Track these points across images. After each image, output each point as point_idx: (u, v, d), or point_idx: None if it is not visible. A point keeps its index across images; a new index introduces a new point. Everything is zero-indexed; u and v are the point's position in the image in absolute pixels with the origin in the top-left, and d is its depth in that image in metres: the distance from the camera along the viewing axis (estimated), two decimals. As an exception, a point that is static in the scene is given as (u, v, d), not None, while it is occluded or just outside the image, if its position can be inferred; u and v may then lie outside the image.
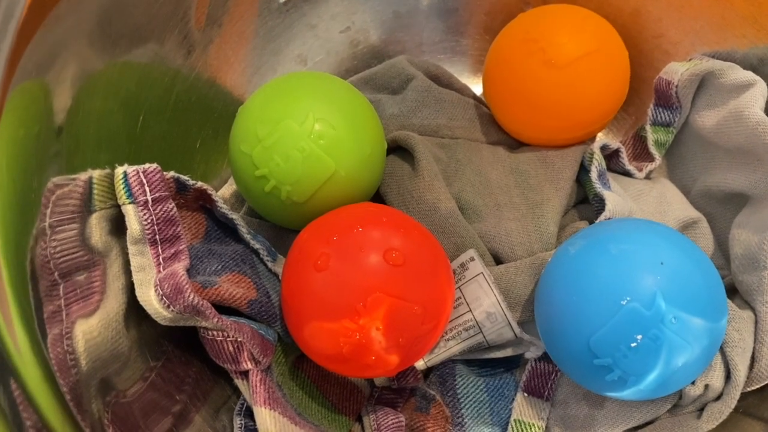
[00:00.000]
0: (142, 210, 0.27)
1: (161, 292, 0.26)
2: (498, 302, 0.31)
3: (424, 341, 0.28)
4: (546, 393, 0.32)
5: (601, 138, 0.42)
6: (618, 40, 0.36)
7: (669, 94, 0.36)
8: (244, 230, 0.31)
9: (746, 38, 0.35)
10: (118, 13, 0.29)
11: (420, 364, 0.33)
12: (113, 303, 0.27)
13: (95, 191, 0.27)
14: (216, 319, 0.27)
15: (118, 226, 0.28)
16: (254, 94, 0.32)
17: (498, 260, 0.34)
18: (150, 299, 0.27)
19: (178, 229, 0.28)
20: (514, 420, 0.32)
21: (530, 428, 0.31)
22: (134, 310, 0.27)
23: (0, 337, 0.21)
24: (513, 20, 0.37)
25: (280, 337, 0.31)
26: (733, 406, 0.29)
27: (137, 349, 0.28)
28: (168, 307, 0.26)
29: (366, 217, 0.29)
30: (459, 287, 0.32)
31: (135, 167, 0.27)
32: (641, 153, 0.38)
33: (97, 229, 0.27)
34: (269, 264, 0.32)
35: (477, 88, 0.41)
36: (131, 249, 0.27)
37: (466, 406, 0.33)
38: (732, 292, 0.33)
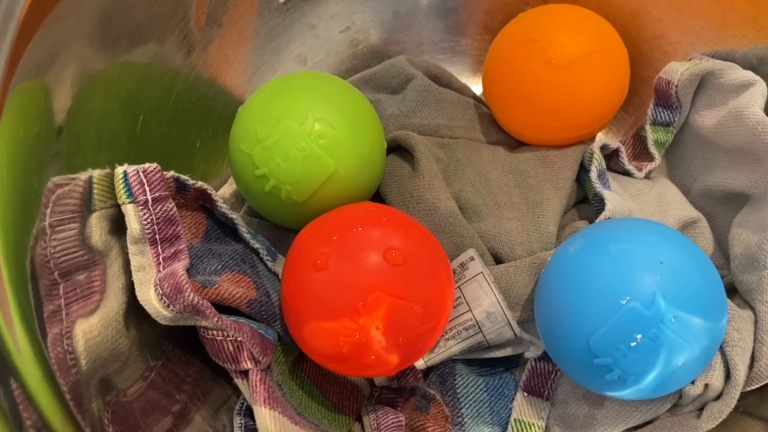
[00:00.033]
0: (142, 209, 0.27)
1: (161, 292, 0.26)
2: (498, 302, 0.31)
3: (423, 341, 0.28)
4: (546, 392, 0.32)
5: (600, 138, 0.42)
6: (618, 40, 0.36)
7: (669, 94, 0.36)
8: (243, 230, 0.31)
9: (746, 38, 0.35)
10: (118, 13, 0.29)
11: (420, 364, 0.33)
12: (113, 302, 0.27)
13: (95, 191, 0.27)
14: (216, 319, 0.27)
15: (118, 225, 0.28)
16: (254, 93, 0.32)
17: (498, 260, 0.34)
18: (150, 299, 0.27)
19: (178, 228, 0.28)
20: (514, 419, 0.32)
21: (530, 428, 0.31)
22: (134, 309, 0.27)
23: (0, 337, 0.21)
24: (513, 20, 0.37)
25: (280, 337, 0.31)
26: (732, 405, 0.29)
27: (137, 349, 0.28)
28: (168, 306, 0.26)
29: (366, 216, 0.29)
30: (459, 287, 0.32)
31: (135, 167, 0.27)
32: (641, 153, 0.38)
33: (97, 228, 0.27)
34: (269, 263, 0.32)
35: (477, 87, 0.41)
36: (131, 248, 0.27)
37: (466, 406, 0.33)
38: (732, 291, 0.33)
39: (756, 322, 0.30)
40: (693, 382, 0.29)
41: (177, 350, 0.30)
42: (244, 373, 0.29)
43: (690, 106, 0.36)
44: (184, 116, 0.35)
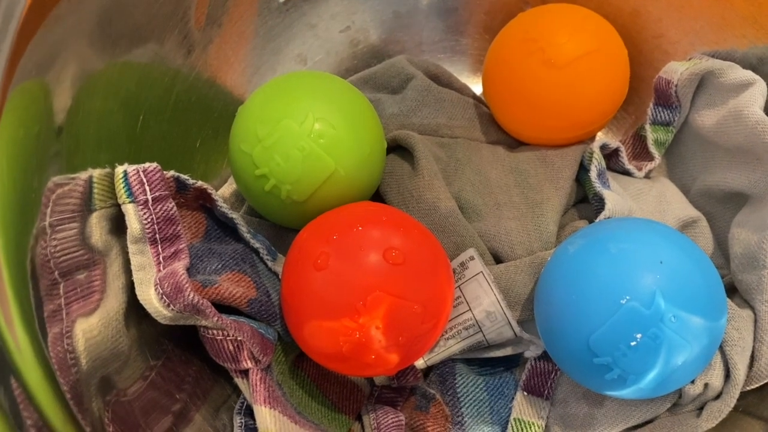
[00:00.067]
0: (142, 209, 0.27)
1: (161, 291, 0.26)
2: (498, 301, 0.31)
3: (423, 340, 0.28)
4: (546, 392, 0.32)
5: (600, 137, 0.42)
6: (618, 39, 0.36)
7: (668, 94, 0.36)
8: (244, 229, 0.31)
9: (746, 38, 0.35)
10: (118, 13, 0.29)
11: (420, 363, 0.33)
12: (113, 302, 0.27)
13: (95, 190, 0.27)
14: (216, 318, 0.27)
15: (118, 225, 0.28)
16: (254, 93, 0.32)
17: (498, 259, 0.34)
18: (150, 298, 0.27)
19: (178, 228, 0.28)
20: (514, 419, 0.32)
21: (530, 427, 0.32)
22: (134, 309, 0.27)
23: (1, 336, 0.21)
24: (512, 20, 0.37)
25: (280, 336, 0.31)
26: (732, 404, 0.29)
27: (137, 348, 0.28)
28: (168, 306, 0.26)
29: (366, 216, 0.29)
30: (459, 286, 0.32)
31: (135, 166, 0.27)
32: (641, 152, 0.39)
33: (97, 228, 0.27)
34: (269, 263, 0.32)
35: (477, 87, 0.41)
36: (131, 248, 0.27)
37: (466, 405, 0.33)
38: (731, 291, 0.33)
39: (756, 321, 0.30)
40: (693, 382, 0.30)
41: (177, 349, 0.30)
42: (244, 373, 0.29)
43: (690, 106, 0.36)
44: (184, 116, 0.35)
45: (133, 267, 0.27)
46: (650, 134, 0.38)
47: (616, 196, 0.33)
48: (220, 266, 0.30)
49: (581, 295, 0.27)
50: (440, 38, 0.45)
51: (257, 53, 0.40)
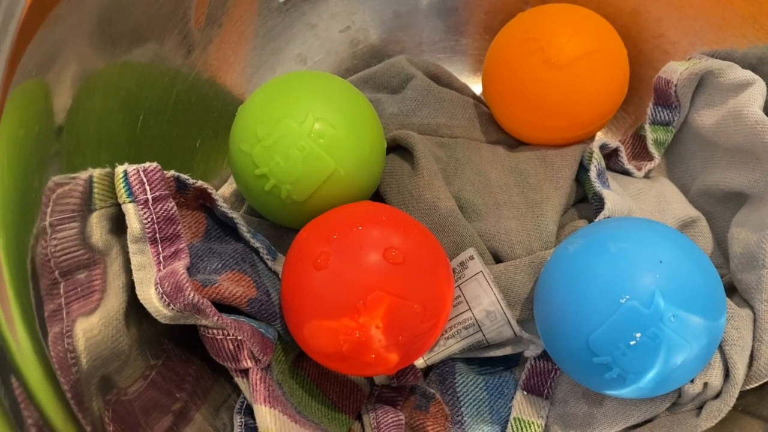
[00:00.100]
0: (143, 209, 0.27)
1: (161, 291, 0.27)
2: (497, 301, 0.31)
3: (423, 339, 0.28)
4: (545, 391, 0.32)
5: (600, 137, 0.42)
6: (617, 39, 0.36)
7: (668, 94, 0.36)
8: (244, 229, 0.31)
9: (746, 38, 0.35)
10: (118, 13, 0.29)
11: (420, 363, 0.33)
12: (113, 301, 0.27)
13: (95, 190, 0.27)
14: (216, 318, 0.27)
15: (118, 224, 0.28)
16: (254, 93, 0.32)
17: (497, 259, 0.34)
18: (150, 297, 0.27)
19: (179, 227, 0.28)
20: (514, 418, 0.32)
21: (530, 426, 0.32)
22: (134, 308, 0.27)
23: (1, 336, 0.21)
24: (512, 19, 0.37)
25: (280, 336, 0.31)
26: (732, 404, 0.29)
27: (137, 348, 0.28)
28: (168, 305, 0.26)
29: (365, 215, 0.29)
30: (458, 286, 0.32)
31: (135, 166, 0.28)
32: (640, 152, 0.39)
33: (97, 227, 0.27)
34: (269, 263, 0.32)
35: (476, 87, 0.41)
36: (131, 247, 0.27)
37: (466, 405, 0.33)
38: (731, 290, 0.33)
39: (755, 320, 0.30)
40: (692, 381, 0.30)
41: (177, 349, 0.31)
42: (245, 372, 0.29)
43: (689, 106, 0.36)
44: (184, 116, 0.36)
45: (133, 266, 0.27)
46: (650, 134, 0.38)
47: (615, 195, 0.33)
48: (220, 266, 0.30)
49: (581, 295, 0.27)
50: (440, 38, 0.45)
51: (257, 53, 0.40)
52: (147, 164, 0.28)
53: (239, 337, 0.28)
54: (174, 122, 0.35)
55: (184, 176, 0.29)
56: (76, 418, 0.23)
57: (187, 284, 0.26)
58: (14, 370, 0.21)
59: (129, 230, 0.27)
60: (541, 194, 0.35)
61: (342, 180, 0.30)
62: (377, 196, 0.36)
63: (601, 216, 0.32)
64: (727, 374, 0.30)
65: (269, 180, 0.30)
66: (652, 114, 0.37)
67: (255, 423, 0.28)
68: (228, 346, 0.28)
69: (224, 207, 0.31)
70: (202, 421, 0.30)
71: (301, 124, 0.30)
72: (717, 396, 0.30)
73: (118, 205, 0.27)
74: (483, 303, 0.31)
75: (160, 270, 0.27)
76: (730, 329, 0.30)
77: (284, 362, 0.31)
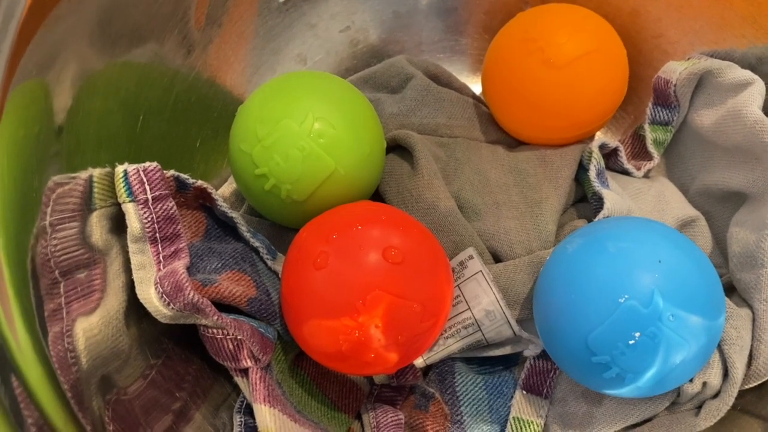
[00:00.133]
0: (143, 208, 0.27)
1: (161, 290, 0.27)
2: (497, 300, 0.31)
3: (423, 339, 0.28)
4: (545, 391, 0.32)
5: (599, 137, 0.42)
6: (617, 39, 0.36)
7: (667, 93, 0.36)
8: (243, 228, 0.31)
9: (745, 38, 0.35)
10: (117, 13, 0.29)
11: (419, 362, 0.33)
12: (113, 301, 0.27)
13: (95, 190, 0.27)
14: (216, 317, 0.27)
15: (118, 224, 0.28)
16: (254, 93, 0.32)
17: (497, 258, 0.34)
18: (150, 297, 0.27)
19: (178, 227, 0.28)
20: (513, 417, 0.32)
21: (529, 426, 0.32)
22: (134, 308, 0.27)
23: (1, 335, 0.21)
24: (512, 19, 0.37)
25: (280, 335, 0.31)
26: (730, 403, 0.29)
27: (137, 347, 0.28)
28: (168, 304, 0.26)
29: (365, 215, 0.29)
30: (458, 285, 0.32)
31: (135, 166, 0.28)
32: (640, 152, 0.39)
33: (97, 227, 0.27)
34: (269, 262, 0.32)
35: (476, 87, 0.41)
36: (131, 247, 0.27)
37: (465, 404, 0.33)
38: (730, 290, 0.33)
39: (754, 320, 0.30)
40: (691, 380, 0.30)
41: (177, 348, 0.31)
42: (244, 372, 0.29)
43: (689, 106, 0.36)
44: (184, 116, 0.36)
45: (133, 266, 0.27)
46: (649, 134, 0.38)
47: (615, 195, 0.33)
48: (220, 265, 0.30)
49: (580, 294, 0.27)
50: (440, 38, 0.45)
51: (257, 53, 0.40)
52: (147, 164, 0.28)
53: (239, 337, 0.28)
54: (174, 122, 0.35)
55: (184, 176, 0.29)
56: (76, 417, 0.23)
57: (186, 284, 0.26)
58: (14, 369, 0.21)
59: (129, 230, 0.27)
60: (540, 194, 0.35)
61: (342, 180, 0.30)
62: (377, 195, 0.36)
63: (600, 215, 0.32)
64: (726, 373, 0.30)
65: (269, 180, 0.30)
66: (651, 114, 0.37)
67: (255, 422, 0.28)
68: (228, 346, 0.28)
69: (224, 207, 0.31)
70: (202, 421, 0.30)
71: (301, 124, 0.30)
72: (716, 395, 0.30)
73: (118, 205, 0.28)
74: (482, 302, 0.31)
75: (160, 269, 0.27)
76: (729, 329, 0.30)
77: (284, 362, 0.31)
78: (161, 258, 0.28)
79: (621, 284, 0.26)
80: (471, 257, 0.32)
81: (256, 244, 0.32)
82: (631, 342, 0.25)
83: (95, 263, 0.26)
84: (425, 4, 0.44)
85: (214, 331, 0.28)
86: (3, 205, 0.23)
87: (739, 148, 0.33)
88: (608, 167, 0.38)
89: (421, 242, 0.29)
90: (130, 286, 0.28)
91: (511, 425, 0.32)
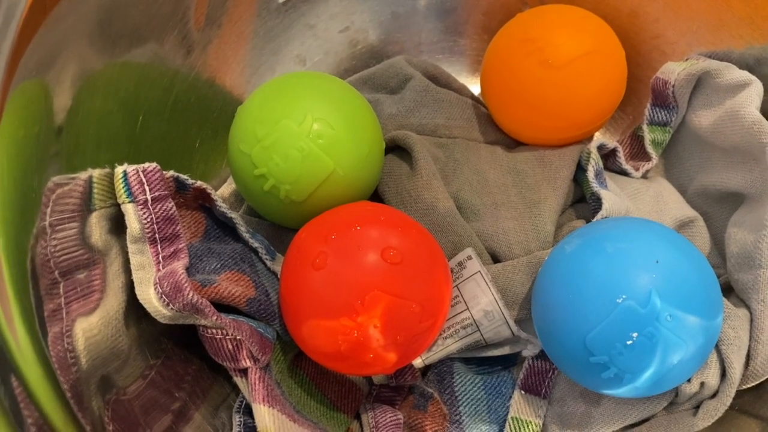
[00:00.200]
0: (142, 209, 0.27)
1: (161, 291, 0.27)
2: (495, 300, 0.31)
3: (421, 339, 0.28)
4: (543, 391, 0.32)
5: (598, 137, 0.42)
6: (615, 40, 0.36)
7: (666, 94, 0.36)
8: (243, 229, 0.32)
9: (743, 39, 0.35)
10: (118, 13, 0.29)
11: (418, 362, 0.33)
12: (113, 301, 0.27)
13: (95, 190, 0.27)
14: (215, 318, 0.27)
15: (117, 224, 0.28)
16: (253, 94, 0.32)
17: (495, 259, 0.34)
18: (149, 297, 0.27)
19: (178, 227, 0.29)
20: (512, 417, 0.32)
21: (527, 426, 0.32)
22: (134, 308, 0.28)
23: (1, 335, 0.21)
24: (511, 20, 0.37)
25: (279, 335, 0.31)
26: (728, 403, 0.29)
27: (137, 347, 0.28)
28: (167, 305, 0.26)
29: (364, 215, 0.29)
30: (457, 285, 0.32)
31: (135, 166, 0.28)
32: (638, 152, 0.39)
33: (97, 227, 0.27)
34: (268, 263, 0.32)
35: (475, 87, 0.41)
36: (131, 248, 0.27)
37: (464, 404, 0.33)
38: (728, 290, 0.33)
39: (751, 320, 0.31)
40: (689, 380, 0.30)
41: (176, 349, 0.31)
42: (243, 372, 0.29)
43: (687, 106, 0.37)
44: (184, 116, 0.36)
45: (132, 266, 0.27)
46: (647, 134, 0.38)
47: (613, 196, 0.33)
48: (219, 266, 0.30)
49: (578, 295, 0.27)
50: (439, 39, 0.45)
51: (256, 53, 0.40)
52: (146, 164, 0.28)
53: (238, 337, 0.28)
54: (173, 122, 0.35)
55: (183, 176, 0.29)
56: (76, 417, 0.23)
57: (186, 284, 0.26)
58: (14, 369, 0.21)
59: (128, 230, 0.27)
60: (539, 194, 0.35)
61: (341, 180, 0.31)
62: (376, 196, 0.36)
63: (598, 216, 0.32)
64: (723, 374, 0.30)
65: (268, 180, 0.30)
66: (649, 114, 0.37)
67: (254, 422, 0.28)
68: (227, 346, 0.28)
69: (223, 207, 0.31)
70: (201, 421, 0.30)
71: (300, 124, 0.30)
72: (714, 395, 0.30)
73: (118, 206, 0.28)
74: (481, 303, 0.31)
75: (159, 270, 0.28)
76: (727, 329, 0.30)
77: (283, 362, 0.31)
78: (160, 258, 0.28)
79: (619, 284, 0.26)
80: (470, 257, 0.32)
81: (255, 244, 0.32)
82: (629, 342, 0.26)
83: (95, 264, 0.26)
84: (424, 4, 0.44)
85: (214, 331, 0.28)
86: (3, 205, 0.23)
87: (737, 148, 0.33)
88: (607, 168, 0.38)
89: (419, 242, 0.29)
90: (130, 287, 0.28)
91: (510, 425, 0.32)
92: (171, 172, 0.29)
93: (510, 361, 0.34)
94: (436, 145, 0.37)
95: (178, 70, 0.35)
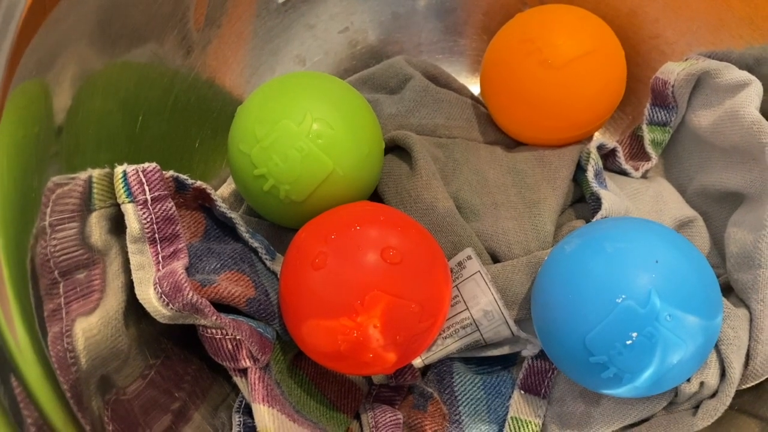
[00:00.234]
0: (142, 209, 0.27)
1: (160, 291, 0.27)
2: (495, 300, 0.31)
3: (421, 339, 0.28)
4: (543, 390, 0.32)
5: (597, 137, 0.42)
6: (615, 40, 0.36)
7: (665, 94, 0.36)
8: (242, 229, 0.32)
9: (742, 39, 0.35)
10: (117, 13, 0.29)
11: (417, 362, 0.33)
12: (113, 301, 0.27)
13: (95, 190, 0.27)
14: (215, 317, 0.27)
15: (117, 224, 0.28)
16: (253, 94, 0.32)
17: (495, 259, 0.34)
18: (149, 297, 0.27)
19: (177, 227, 0.29)
20: (511, 417, 0.32)
21: (527, 425, 0.32)
22: (134, 308, 0.28)
23: (1, 335, 0.21)
24: (510, 20, 0.37)
25: (279, 335, 0.31)
26: (728, 403, 0.29)
27: (137, 347, 0.28)
28: (167, 305, 0.26)
29: (363, 215, 0.29)
30: (456, 285, 0.32)
31: (134, 166, 0.28)
32: (638, 152, 0.39)
33: (96, 227, 0.27)
34: (268, 262, 0.32)
35: (475, 88, 0.41)
36: (130, 247, 0.27)
37: (464, 404, 0.33)
38: (727, 290, 0.33)
39: (751, 320, 0.31)
40: (688, 380, 0.30)
41: (176, 348, 0.31)
42: (243, 372, 0.29)
43: (686, 106, 0.37)
44: (183, 116, 0.36)
45: (132, 266, 0.27)
46: (647, 134, 0.38)
47: (612, 195, 0.33)
48: (219, 266, 0.30)
49: (577, 294, 0.27)
50: (438, 39, 0.45)
51: (256, 54, 0.40)
52: (146, 164, 0.28)
53: (238, 337, 0.28)
54: (173, 122, 0.35)
55: (183, 176, 0.29)
56: (76, 417, 0.23)
57: (185, 284, 0.26)
58: (14, 369, 0.21)
59: (128, 230, 0.27)
60: (538, 194, 0.35)
61: (340, 180, 0.31)
62: (375, 196, 0.36)
63: (598, 216, 0.32)
64: (723, 373, 0.30)
65: (268, 180, 0.30)
66: (649, 114, 0.37)
67: (253, 422, 0.28)
68: (227, 346, 0.28)
69: (223, 207, 0.31)
70: (201, 421, 0.30)
71: (300, 124, 0.30)
72: (713, 395, 0.30)
73: (118, 206, 0.28)
74: (481, 303, 0.31)
75: (159, 270, 0.28)
76: (727, 329, 0.30)
77: (282, 362, 0.31)
78: (160, 258, 0.28)
79: (618, 284, 0.26)
80: (469, 257, 0.32)
81: (255, 244, 0.32)
82: (629, 342, 0.26)
83: (94, 263, 0.26)
84: (424, 5, 0.44)
85: (213, 331, 0.28)
86: (3, 205, 0.23)
87: (736, 148, 0.33)
88: (606, 168, 0.38)
89: (419, 242, 0.29)
90: (130, 287, 0.28)
91: (509, 425, 0.32)
92: (171, 172, 0.29)
93: (509, 361, 0.34)
94: (435, 145, 0.37)
95: (177, 71, 0.35)
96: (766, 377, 0.30)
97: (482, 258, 0.33)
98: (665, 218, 0.35)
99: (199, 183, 0.30)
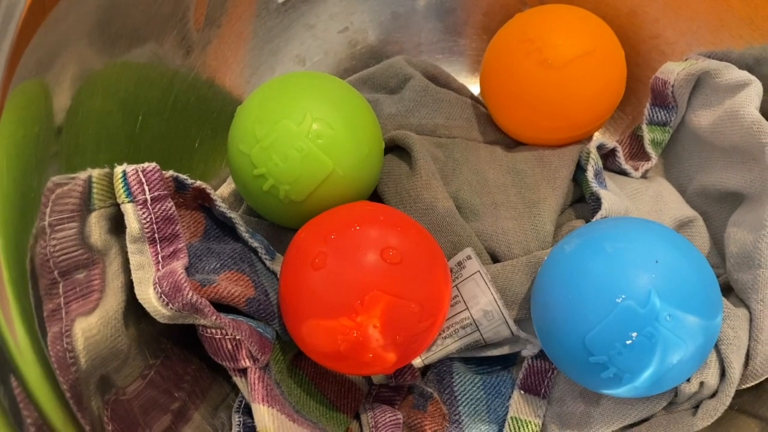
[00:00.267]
0: (141, 209, 0.27)
1: (160, 290, 0.27)
2: (495, 300, 0.31)
3: (421, 339, 0.28)
4: (542, 390, 0.32)
5: (597, 137, 0.42)
6: (615, 40, 0.36)
7: (665, 94, 0.36)
8: (242, 229, 0.32)
9: (742, 39, 0.35)
10: (117, 13, 0.29)
11: (417, 362, 0.33)
12: (112, 301, 0.27)
13: (94, 190, 0.27)
14: (214, 317, 0.27)
15: (117, 224, 0.28)
16: (252, 94, 0.32)
17: (495, 259, 0.34)
18: (149, 297, 0.27)
19: (177, 227, 0.29)
20: (511, 417, 0.32)
21: (527, 425, 0.32)
22: (133, 308, 0.28)
23: (0, 335, 0.21)
24: (510, 20, 0.37)
25: (278, 335, 0.31)
26: (728, 403, 0.29)
27: (136, 347, 0.28)
28: (167, 305, 0.26)
29: (363, 215, 0.29)
30: (456, 285, 0.32)
31: (134, 166, 0.28)
32: (638, 152, 0.39)
33: (96, 227, 0.27)
34: (267, 262, 0.32)
35: (474, 88, 0.41)
36: (130, 247, 0.27)
37: (463, 404, 0.33)
38: (727, 290, 0.33)
39: (751, 320, 0.31)
40: (688, 380, 0.30)
41: (176, 348, 0.31)
42: (243, 372, 0.29)
43: (686, 106, 0.37)
44: (183, 116, 0.36)
45: (132, 266, 0.27)
46: (647, 134, 0.38)
47: (612, 195, 0.33)
48: (218, 265, 0.30)
49: (577, 294, 0.27)
50: (438, 39, 0.45)
51: (256, 54, 0.40)
52: (146, 164, 0.28)
53: (237, 337, 0.28)
54: (173, 122, 0.35)
55: (182, 176, 0.29)
56: (75, 417, 0.23)
57: (185, 284, 0.26)
58: (13, 369, 0.21)
59: (128, 230, 0.27)
60: (538, 194, 0.35)
61: (340, 180, 0.31)
62: (375, 196, 0.36)
63: (598, 216, 0.32)
64: (723, 373, 0.30)
65: (267, 180, 0.30)
66: (649, 114, 0.37)
67: (253, 422, 0.28)
68: (226, 346, 0.28)
69: (223, 207, 0.31)
70: (201, 421, 0.30)
71: (300, 124, 0.30)
72: (713, 395, 0.30)
73: (117, 205, 0.28)
74: (480, 303, 0.31)
75: (158, 270, 0.28)
76: (726, 329, 0.30)
77: (282, 362, 0.31)
78: (160, 258, 0.28)
79: (618, 284, 0.26)
80: (469, 257, 0.32)
81: (255, 244, 0.32)
82: (629, 342, 0.26)
83: (94, 263, 0.26)
84: (424, 5, 0.44)
85: (213, 331, 0.28)
86: (3, 205, 0.23)
87: (736, 148, 0.33)
88: (606, 168, 0.38)
89: (419, 242, 0.29)
90: (129, 287, 0.28)
91: (509, 425, 0.32)
92: (170, 172, 0.29)
93: (509, 361, 0.34)
94: (435, 145, 0.37)
95: (177, 71, 0.35)
96: (766, 377, 0.30)
97: (482, 258, 0.33)
98: (665, 218, 0.35)
99: (198, 183, 0.30)
